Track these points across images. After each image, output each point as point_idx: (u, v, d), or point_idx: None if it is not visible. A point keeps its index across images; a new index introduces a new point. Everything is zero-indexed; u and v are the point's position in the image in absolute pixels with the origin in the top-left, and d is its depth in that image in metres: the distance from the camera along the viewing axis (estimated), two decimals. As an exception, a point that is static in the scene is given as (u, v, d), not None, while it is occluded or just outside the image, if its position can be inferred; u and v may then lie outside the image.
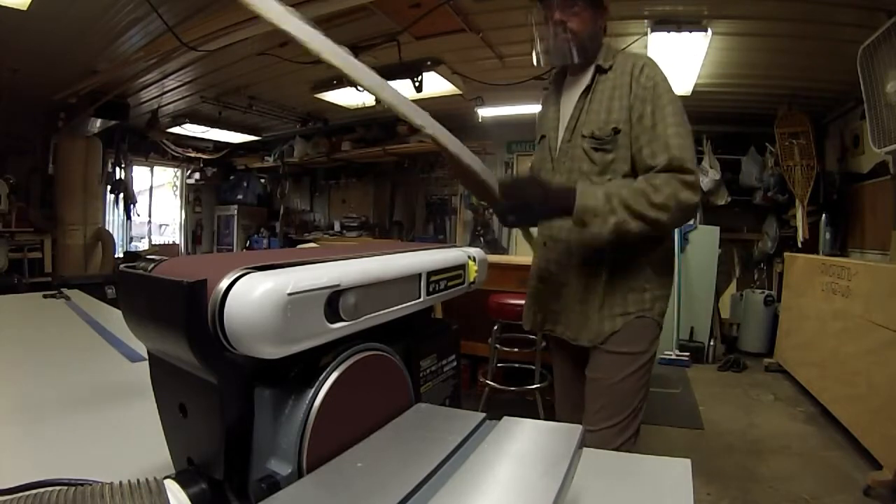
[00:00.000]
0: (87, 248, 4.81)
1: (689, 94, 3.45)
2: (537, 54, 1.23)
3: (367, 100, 3.87)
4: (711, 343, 4.19)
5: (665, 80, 1.11)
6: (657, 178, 1.04)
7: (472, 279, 0.66)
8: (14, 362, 1.13)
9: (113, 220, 5.56)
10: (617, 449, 1.11)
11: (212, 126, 5.16)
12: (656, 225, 1.03)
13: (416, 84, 3.54)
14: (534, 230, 1.33)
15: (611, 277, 1.17)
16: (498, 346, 2.54)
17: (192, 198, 6.61)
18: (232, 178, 6.71)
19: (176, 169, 6.44)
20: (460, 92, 3.98)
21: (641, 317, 1.17)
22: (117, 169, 5.31)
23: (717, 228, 4.22)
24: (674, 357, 3.98)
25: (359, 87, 3.51)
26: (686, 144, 1.06)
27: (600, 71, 1.17)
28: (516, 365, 2.68)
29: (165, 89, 4.25)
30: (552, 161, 1.23)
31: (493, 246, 5.23)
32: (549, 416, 2.43)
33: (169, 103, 4.66)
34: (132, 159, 5.55)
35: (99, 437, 0.73)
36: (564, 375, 1.36)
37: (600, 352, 1.18)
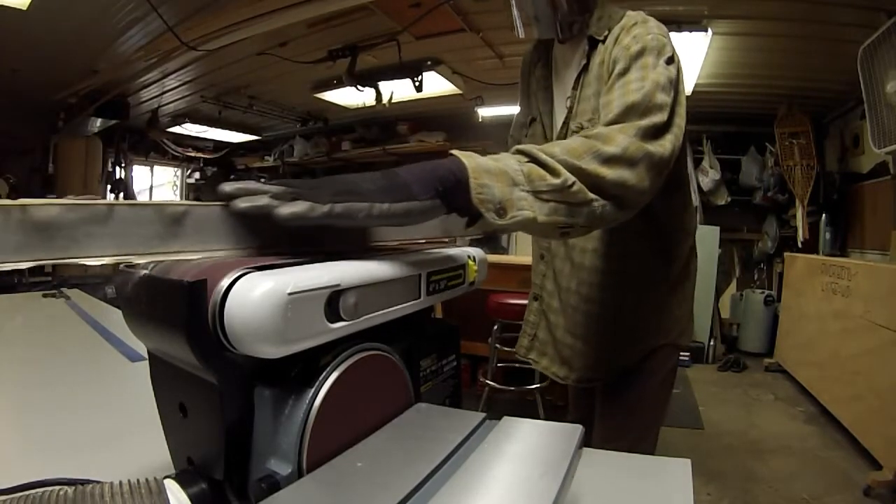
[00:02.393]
0: (87, 247, 4.80)
1: (689, 94, 3.45)
2: (518, 24, 0.94)
3: (366, 100, 3.87)
4: (711, 343, 4.19)
5: (662, 42, 0.79)
6: (606, 127, 0.69)
7: (472, 279, 0.66)
8: (14, 362, 1.13)
9: (113, 219, 5.55)
10: None
11: (212, 126, 5.16)
12: (620, 194, 0.65)
13: (416, 84, 3.54)
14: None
15: (619, 305, 0.96)
16: (498, 345, 2.54)
17: (193, 197, 6.59)
18: (232, 177, 6.69)
19: (176, 168, 6.45)
20: (460, 92, 3.98)
21: (662, 346, 0.98)
22: (117, 168, 5.31)
23: (717, 228, 4.22)
24: (674, 357, 3.98)
25: (359, 88, 3.55)
26: (656, 86, 0.72)
27: (593, 44, 0.90)
28: (516, 365, 2.67)
29: (165, 89, 4.25)
30: None
31: (493, 246, 5.23)
32: (549, 416, 2.43)
33: (169, 103, 4.66)
34: (132, 159, 5.55)
35: (99, 437, 0.73)
36: (575, 400, 1.20)
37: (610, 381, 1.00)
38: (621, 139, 0.66)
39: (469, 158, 0.54)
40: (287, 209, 0.41)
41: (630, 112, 0.70)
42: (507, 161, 0.58)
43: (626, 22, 0.85)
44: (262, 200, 0.41)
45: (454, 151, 0.55)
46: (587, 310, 0.98)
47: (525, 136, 1.11)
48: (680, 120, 0.74)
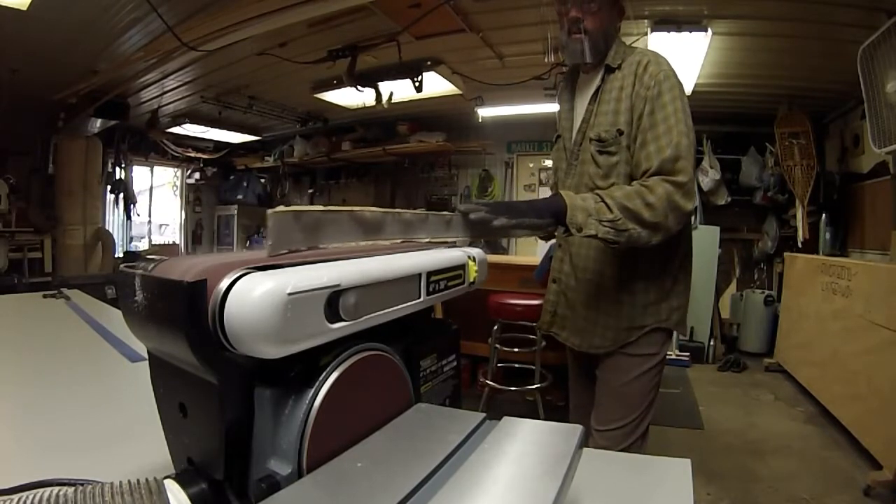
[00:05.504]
0: (87, 248, 4.81)
1: (689, 94, 3.44)
2: (550, 51, 1.26)
3: (366, 100, 3.87)
4: (711, 343, 4.19)
5: (670, 76, 1.07)
6: (649, 180, 1.03)
7: (472, 279, 0.66)
8: (14, 362, 1.13)
9: (113, 220, 5.55)
10: (625, 450, 1.11)
11: (212, 126, 5.16)
12: (654, 227, 1.00)
13: (416, 84, 3.54)
14: None
15: (625, 286, 1.14)
16: (498, 346, 2.54)
17: (192, 198, 6.61)
18: (232, 178, 6.71)
19: (176, 169, 6.44)
20: (460, 92, 3.98)
21: (657, 329, 1.15)
22: (117, 169, 5.31)
23: (717, 228, 4.22)
24: (674, 357, 3.98)
25: (359, 88, 3.55)
26: (682, 146, 1.03)
27: (609, 70, 1.15)
28: (516, 365, 2.68)
29: (165, 89, 4.25)
30: (567, 161, 1.23)
31: (493, 246, 5.24)
32: (549, 416, 2.43)
33: (169, 103, 4.66)
34: (132, 159, 5.55)
35: (99, 437, 0.73)
36: (578, 381, 1.35)
37: (612, 353, 1.17)
38: (659, 191, 1.00)
39: (570, 198, 0.99)
40: (499, 221, 0.88)
41: (663, 165, 1.02)
42: (588, 201, 1.00)
43: (640, 59, 1.10)
44: (482, 214, 0.85)
45: (562, 192, 1.01)
46: (599, 284, 1.17)
47: (553, 149, 1.38)
48: (692, 158, 1.04)
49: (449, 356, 0.65)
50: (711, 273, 4.15)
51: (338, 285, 0.42)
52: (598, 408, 1.18)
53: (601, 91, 1.15)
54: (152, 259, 0.44)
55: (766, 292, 4.31)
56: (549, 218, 0.96)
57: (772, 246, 4.44)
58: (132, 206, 5.48)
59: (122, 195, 5.32)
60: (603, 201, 0.98)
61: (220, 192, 6.73)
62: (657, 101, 1.05)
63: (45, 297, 1.90)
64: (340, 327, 0.43)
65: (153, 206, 6.27)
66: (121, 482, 0.39)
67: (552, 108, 3.10)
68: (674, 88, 1.06)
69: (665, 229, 1.01)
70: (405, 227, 0.62)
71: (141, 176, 6.00)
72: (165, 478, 0.41)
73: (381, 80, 3.58)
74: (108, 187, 5.26)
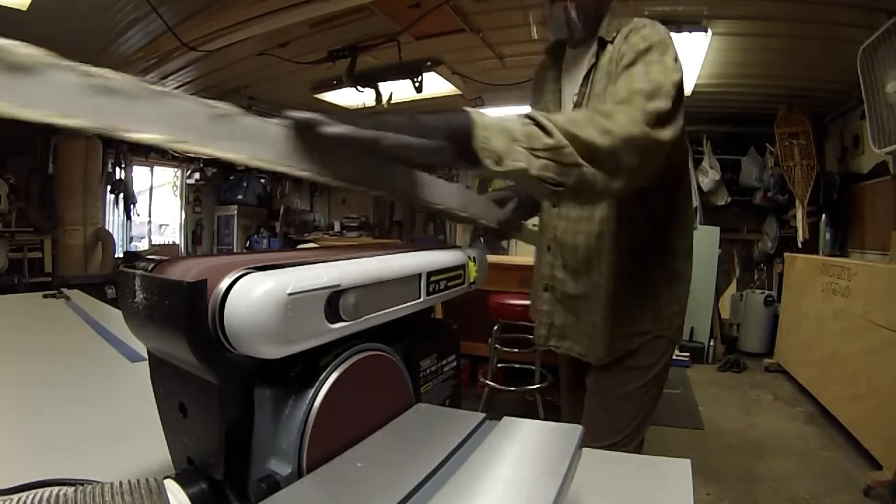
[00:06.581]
0: (87, 248, 4.81)
1: (688, 94, 3.46)
2: (534, 26, 1.07)
3: (366, 100, 3.87)
4: (711, 343, 4.19)
5: (665, 41, 0.85)
6: (607, 105, 0.78)
7: (472, 279, 0.66)
8: (14, 362, 1.13)
9: (113, 220, 5.55)
10: None
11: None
12: (613, 166, 0.69)
13: (416, 84, 3.54)
14: (535, 225, 1.15)
15: (624, 290, 1.03)
16: (498, 346, 2.54)
17: (192, 198, 6.60)
18: (232, 178, 6.70)
19: (176, 169, 6.44)
20: (460, 92, 3.98)
21: (658, 336, 1.04)
22: (117, 169, 5.30)
23: (717, 228, 4.22)
24: (674, 357, 3.98)
25: (359, 88, 3.55)
26: (663, 84, 0.77)
27: (602, 45, 0.96)
28: (516, 365, 2.68)
29: (165, 89, 4.25)
30: None
31: (493, 246, 5.23)
32: (549, 416, 2.43)
33: (169, 103, 4.66)
34: (132, 159, 5.54)
35: (99, 437, 0.73)
36: (574, 396, 1.23)
37: (608, 366, 1.06)
38: (622, 117, 0.71)
39: (478, 115, 0.61)
40: (333, 127, 0.48)
41: (635, 95, 0.75)
42: (513, 121, 0.64)
43: (635, 24, 0.91)
44: (315, 116, 0.48)
45: (467, 108, 0.62)
46: (599, 287, 1.03)
47: None
48: (681, 117, 0.78)
49: (449, 356, 0.65)
50: (711, 273, 4.15)
51: (338, 285, 0.42)
52: (590, 421, 1.06)
53: (595, 70, 0.97)
54: (152, 259, 0.44)
55: (766, 292, 4.31)
56: (440, 139, 0.57)
57: (772, 246, 4.44)
58: (132, 206, 5.48)
59: (122, 195, 5.32)
60: (536, 123, 0.65)
61: (219, 193, 6.73)
62: (643, 55, 0.83)
63: (45, 297, 1.90)
64: (340, 327, 0.43)
65: (153, 207, 6.27)
66: (121, 482, 0.39)
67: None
68: (667, 51, 0.83)
69: (629, 171, 0.71)
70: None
71: (141, 176, 6.00)
72: (165, 478, 0.41)
73: (381, 81, 3.58)
74: (108, 187, 5.26)
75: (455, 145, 0.58)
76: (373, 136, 0.50)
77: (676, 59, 0.83)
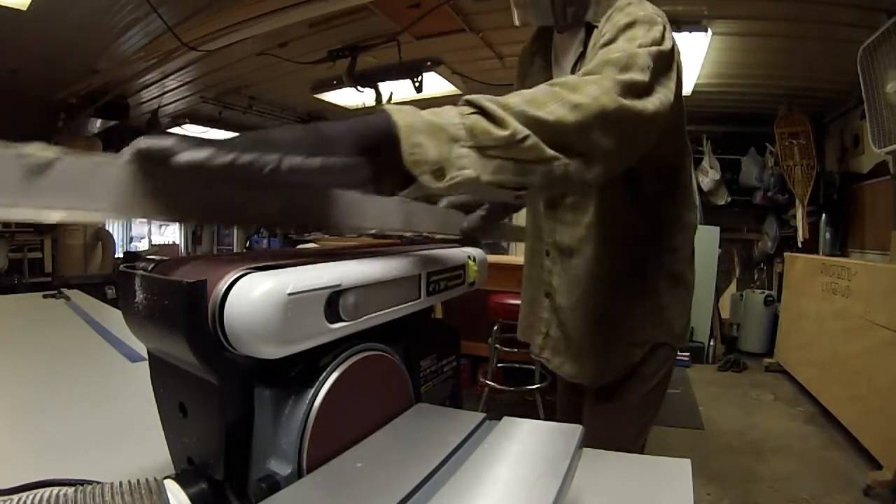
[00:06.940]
0: (87, 248, 4.81)
1: (688, 94, 3.46)
2: (514, 9, 0.90)
3: (366, 100, 3.87)
4: (711, 343, 4.19)
5: (654, 19, 0.74)
6: (576, 76, 0.63)
7: (472, 279, 0.66)
8: (14, 362, 1.13)
9: (113, 220, 5.56)
10: None
11: (212, 126, 5.16)
12: (585, 149, 0.57)
13: (416, 84, 3.54)
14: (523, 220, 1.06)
15: (623, 292, 0.96)
16: (498, 346, 2.54)
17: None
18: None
19: (176, 169, 6.44)
20: (460, 92, 3.98)
21: (660, 344, 0.97)
22: (117, 169, 5.30)
23: (717, 228, 4.22)
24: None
25: (359, 88, 3.55)
26: (641, 49, 0.66)
27: (590, 31, 0.87)
28: (516, 365, 2.68)
29: (165, 89, 4.25)
30: None
31: (493, 246, 5.23)
32: (549, 416, 2.43)
33: (169, 103, 4.66)
34: (132, 159, 5.54)
35: (99, 437, 0.73)
36: (571, 413, 1.15)
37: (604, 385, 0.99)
38: (592, 88, 0.58)
39: (401, 114, 0.46)
40: (186, 155, 0.34)
41: (606, 66, 0.63)
42: (448, 114, 0.50)
43: (619, 3, 0.81)
44: (166, 143, 0.34)
45: (386, 106, 0.47)
46: (597, 296, 0.96)
47: None
48: (667, 90, 0.67)
49: (449, 356, 0.65)
50: (711, 273, 4.15)
51: (338, 285, 0.42)
52: (589, 434, 1.01)
53: (584, 58, 0.88)
54: (152, 259, 0.44)
55: (766, 292, 4.31)
56: (350, 154, 0.42)
57: (772, 246, 4.44)
58: (132, 206, 5.48)
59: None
60: (482, 111, 0.50)
61: (220, 193, 6.72)
62: (623, 31, 0.71)
63: (45, 297, 1.90)
64: (340, 327, 0.43)
65: (153, 207, 6.27)
66: (121, 482, 0.39)
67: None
68: (653, 27, 0.72)
69: (605, 154, 0.59)
70: None
71: (141, 176, 6.00)
72: (165, 478, 0.41)
73: (381, 81, 3.58)
74: (108, 187, 5.26)
75: (374, 161, 0.43)
76: (248, 162, 0.36)
77: (664, 35, 0.72)
